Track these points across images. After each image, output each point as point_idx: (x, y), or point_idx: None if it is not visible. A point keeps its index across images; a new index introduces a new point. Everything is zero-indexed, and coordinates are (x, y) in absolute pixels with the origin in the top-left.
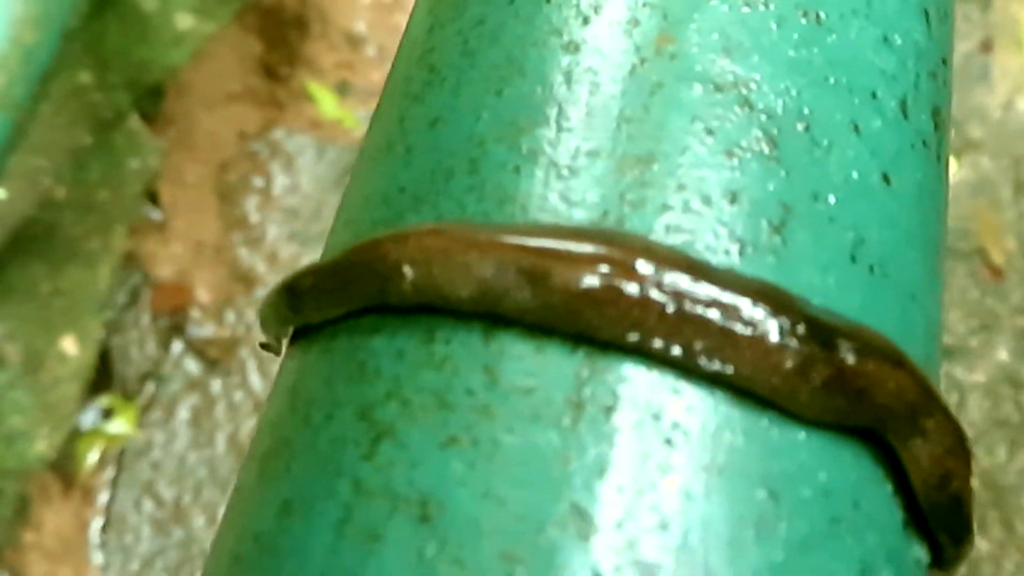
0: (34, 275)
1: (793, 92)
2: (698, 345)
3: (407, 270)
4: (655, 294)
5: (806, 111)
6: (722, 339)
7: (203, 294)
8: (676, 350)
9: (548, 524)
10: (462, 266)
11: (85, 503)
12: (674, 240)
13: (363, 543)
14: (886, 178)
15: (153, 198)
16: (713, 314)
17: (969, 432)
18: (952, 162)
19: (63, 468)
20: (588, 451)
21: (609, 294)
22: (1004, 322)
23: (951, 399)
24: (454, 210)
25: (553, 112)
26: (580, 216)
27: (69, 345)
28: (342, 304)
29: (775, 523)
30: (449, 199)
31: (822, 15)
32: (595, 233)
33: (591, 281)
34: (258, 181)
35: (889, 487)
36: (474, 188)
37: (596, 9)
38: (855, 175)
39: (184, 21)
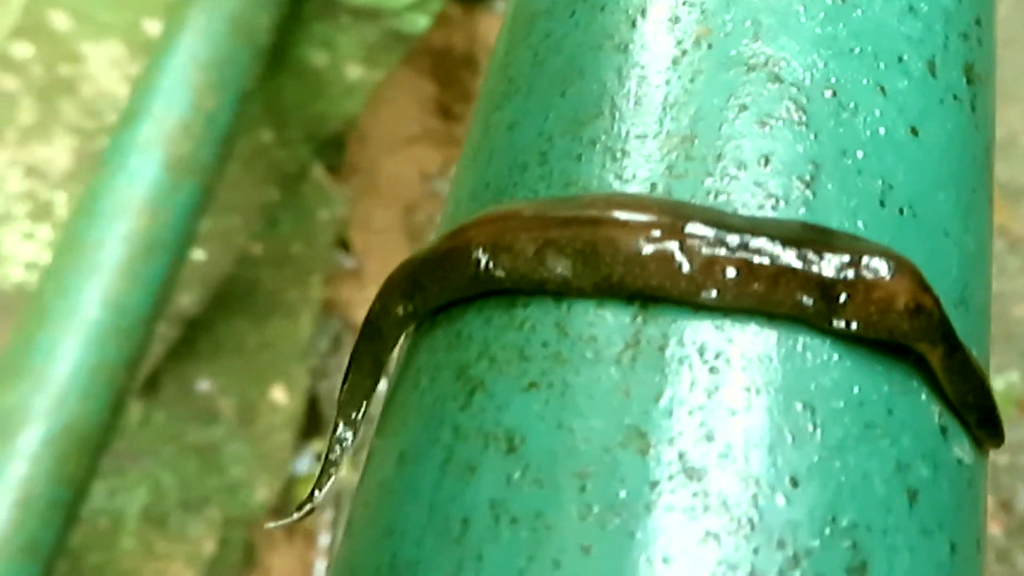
0: (240, 330)
1: (820, 64)
2: (728, 285)
3: (480, 254)
4: (690, 249)
5: (833, 79)
6: (747, 277)
7: None
8: (713, 293)
9: (612, 445)
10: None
11: (308, 546)
12: (714, 202)
13: (462, 475)
14: (914, 131)
15: (345, 246)
16: (737, 258)
17: None
18: None
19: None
20: (644, 383)
21: (654, 254)
22: None
23: None
24: (528, 197)
25: (607, 105)
26: (633, 191)
27: (279, 395)
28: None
29: (811, 431)
30: (524, 188)
31: None
32: (635, 201)
33: (640, 245)
34: None
35: (923, 395)
36: (544, 177)
37: (643, 12)
38: (882, 131)
39: (354, 71)
